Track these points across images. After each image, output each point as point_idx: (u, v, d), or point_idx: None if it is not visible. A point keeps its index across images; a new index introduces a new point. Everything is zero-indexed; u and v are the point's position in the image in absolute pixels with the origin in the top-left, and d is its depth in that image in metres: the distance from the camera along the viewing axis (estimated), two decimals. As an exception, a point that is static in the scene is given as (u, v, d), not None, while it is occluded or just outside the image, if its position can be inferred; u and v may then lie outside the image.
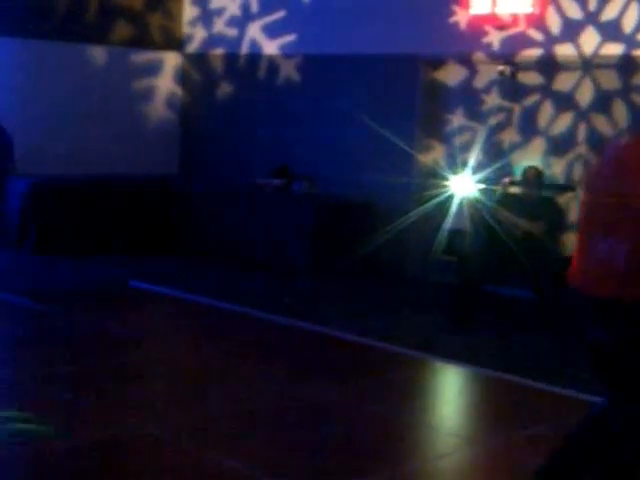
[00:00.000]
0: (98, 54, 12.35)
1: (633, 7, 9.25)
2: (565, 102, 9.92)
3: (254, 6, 12.29)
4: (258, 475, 4.93)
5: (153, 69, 12.88)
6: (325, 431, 5.64)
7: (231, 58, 12.60)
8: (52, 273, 10.11)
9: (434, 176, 10.15)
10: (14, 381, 6.41)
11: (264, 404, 6.14)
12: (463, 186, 9.43)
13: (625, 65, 9.40)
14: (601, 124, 9.65)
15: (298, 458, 5.20)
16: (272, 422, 5.81)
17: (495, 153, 10.28)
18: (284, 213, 10.99)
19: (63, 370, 6.66)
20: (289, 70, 11.99)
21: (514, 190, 9.36)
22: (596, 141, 9.60)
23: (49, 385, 6.29)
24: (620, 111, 9.52)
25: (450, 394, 7.15)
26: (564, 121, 9.93)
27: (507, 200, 9.00)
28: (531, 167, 9.15)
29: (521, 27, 9.97)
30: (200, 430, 5.55)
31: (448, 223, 9.56)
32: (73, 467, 4.95)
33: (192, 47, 13.04)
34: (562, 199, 9.47)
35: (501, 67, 10.24)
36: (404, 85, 10.87)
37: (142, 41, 12.72)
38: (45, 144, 11.64)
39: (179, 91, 13.11)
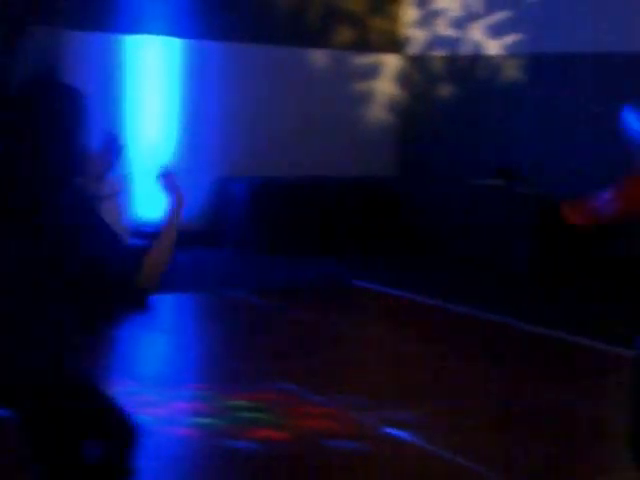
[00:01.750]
0: (320, 58, 12.47)
1: None
2: None
3: (477, 7, 12.10)
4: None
5: (373, 72, 12.90)
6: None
7: (452, 59, 12.45)
8: (275, 272, 10.24)
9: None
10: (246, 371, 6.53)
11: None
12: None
13: None
14: None
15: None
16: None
17: None
18: (505, 213, 10.74)
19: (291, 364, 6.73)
20: (512, 70, 11.72)
21: None
22: None
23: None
24: None
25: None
26: None
27: None
28: None
29: None
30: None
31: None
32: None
33: (413, 49, 12.97)
34: None
35: None
36: None
37: (363, 44, 12.76)
38: (267, 147, 11.83)
39: (399, 93, 13.06)
